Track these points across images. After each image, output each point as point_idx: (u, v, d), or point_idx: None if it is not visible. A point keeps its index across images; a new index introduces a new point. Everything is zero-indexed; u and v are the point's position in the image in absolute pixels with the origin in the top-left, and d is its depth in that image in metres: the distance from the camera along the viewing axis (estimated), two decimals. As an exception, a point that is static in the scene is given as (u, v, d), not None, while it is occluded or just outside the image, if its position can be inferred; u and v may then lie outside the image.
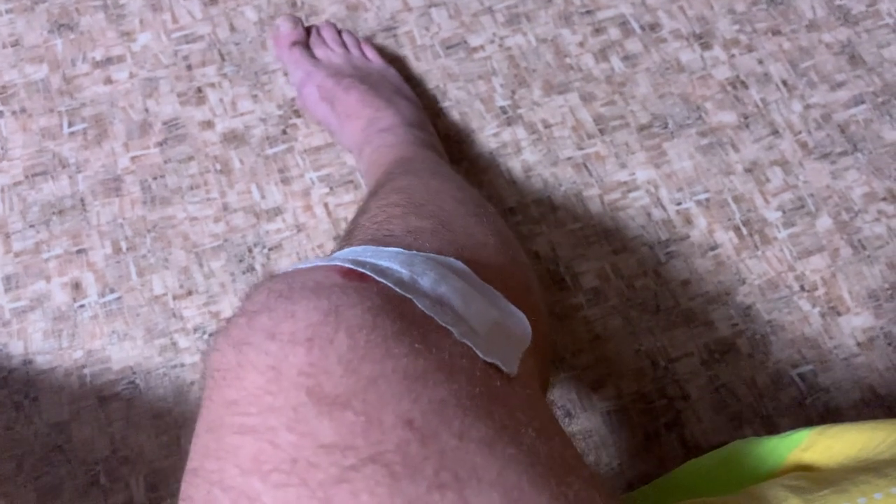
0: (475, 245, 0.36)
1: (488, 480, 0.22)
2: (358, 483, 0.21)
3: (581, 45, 0.74)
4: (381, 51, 0.73)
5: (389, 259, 0.29)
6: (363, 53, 0.71)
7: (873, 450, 0.30)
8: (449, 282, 0.29)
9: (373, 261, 0.29)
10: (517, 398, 0.27)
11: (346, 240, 0.37)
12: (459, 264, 0.31)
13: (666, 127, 0.71)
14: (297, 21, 0.69)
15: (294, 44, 0.68)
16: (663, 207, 0.68)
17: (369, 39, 0.73)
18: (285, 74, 0.71)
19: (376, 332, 0.25)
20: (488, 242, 0.37)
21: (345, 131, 0.64)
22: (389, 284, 0.27)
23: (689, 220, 0.67)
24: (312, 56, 0.69)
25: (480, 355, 0.27)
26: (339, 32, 0.72)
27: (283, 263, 0.65)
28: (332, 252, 0.34)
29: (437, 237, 0.35)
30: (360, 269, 0.28)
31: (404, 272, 0.28)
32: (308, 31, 0.71)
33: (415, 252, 0.31)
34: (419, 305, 0.27)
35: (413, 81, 0.72)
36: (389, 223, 0.36)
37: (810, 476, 0.29)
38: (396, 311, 0.26)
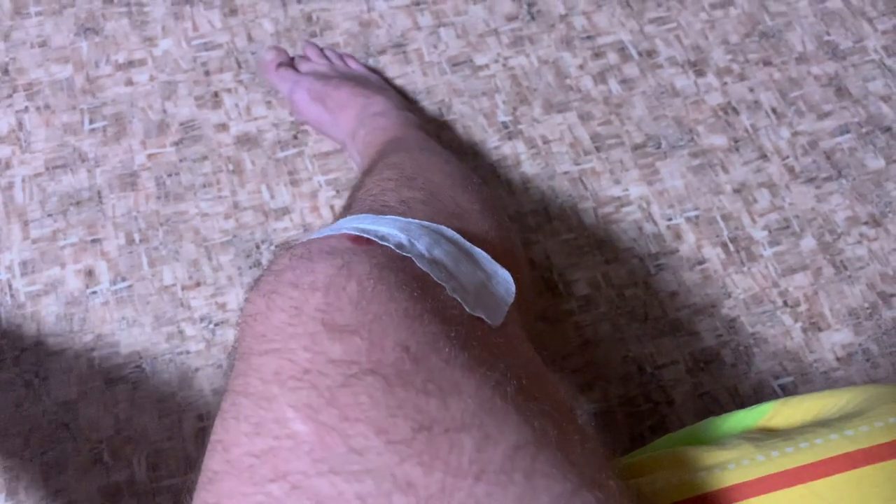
0: (462, 212, 0.40)
1: (467, 393, 0.26)
2: (359, 387, 0.25)
3: (581, 67, 0.78)
4: (394, 54, 0.76)
5: (389, 225, 0.33)
6: (345, 63, 0.75)
7: (828, 412, 0.33)
8: (441, 245, 0.33)
9: (374, 227, 0.33)
10: (496, 342, 0.31)
11: (344, 212, 0.42)
12: (449, 231, 0.36)
13: (659, 147, 0.74)
14: (280, 49, 0.74)
15: (279, 65, 0.73)
16: (654, 222, 0.71)
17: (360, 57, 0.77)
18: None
19: (382, 282, 0.29)
20: (474, 209, 0.41)
21: (339, 122, 0.68)
22: (391, 247, 0.31)
23: (678, 236, 0.70)
24: (297, 70, 0.73)
25: (467, 309, 0.31)
26: (322, 50, 0.76)
27: (289, 260, 0.67)
28: (334, 221, 0.37)
29: (428, 206, 0.39)
30: (366, 235, 0.32)
31: (402, 236, 0.33)
32: (293, 59, 0.75)
33: (409, 220, 0.35)
34: (417, 263, 0.31)
35: (419, 95, 0.76)
36: (384, 195, 0.40)
37: (767, 432, 0.32)
38: (398, 268, 0.30)
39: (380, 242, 0.31)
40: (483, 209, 0.42)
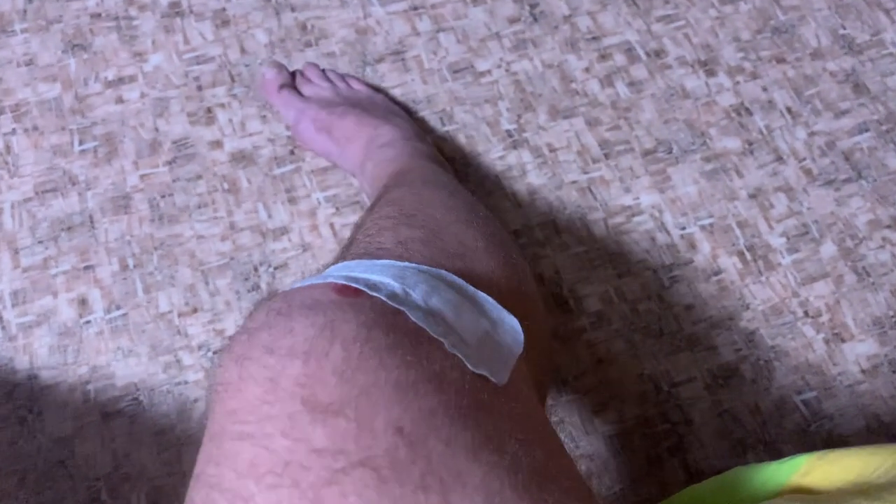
0: (466, 251, 0.37)
1: (472, 485, 0.23)
2: (347, 485, 0.22)
3: (587, 70, 0.75)
4: (393, 62, 0.73)
5: (381, 272, 0.30)
6: (349, 85, 0.72)
7: (870, 475, 0.30)
8: (440, 293, 0.30)
9: (365, 276, 0.30)
10: (504, 408, 0.28)
11: (341, 255, 0.38)
12: (449, 275, 0.32)
13: (670, 152, 0.71)
14: (281, 66, 0.71)
15: (282, 87, 0.70)
16: (667, 232, 0.68)
17: (355, 73, 0.74)
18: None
19: (370, 345, 0.26)
20: (478, 246, 0.38)
21: (346, 154, 0.65)
22: (382, 298, 0.28)
23: (692, 245, 0.68)
24: (301, 94, 0.70)
25: (469, 367, 0.28)
26: (323, 71, 0.73)
27: (288, 282, 0.65)
28: (327, 267, 0.35)
29: (427, 246, 0.36)
30: (354, 285, 0.29)
31: (396, 285, 0.29)
32: (293, 74, 0.72)
33: (406, 264, 0.32)
34: (411, 317, 0.28)
35: (420, 104, 0.73)
36: (381, 235, 0.37)
37: (807, 499, 0.29)
38: (389, 324, 0.27)
39: (369, 293, 0.28)
40: (489, 246, 0.39)
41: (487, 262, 0.37)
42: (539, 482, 0.24)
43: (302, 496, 0.22)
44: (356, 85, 0.72)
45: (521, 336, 0.31)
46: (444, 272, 0.32)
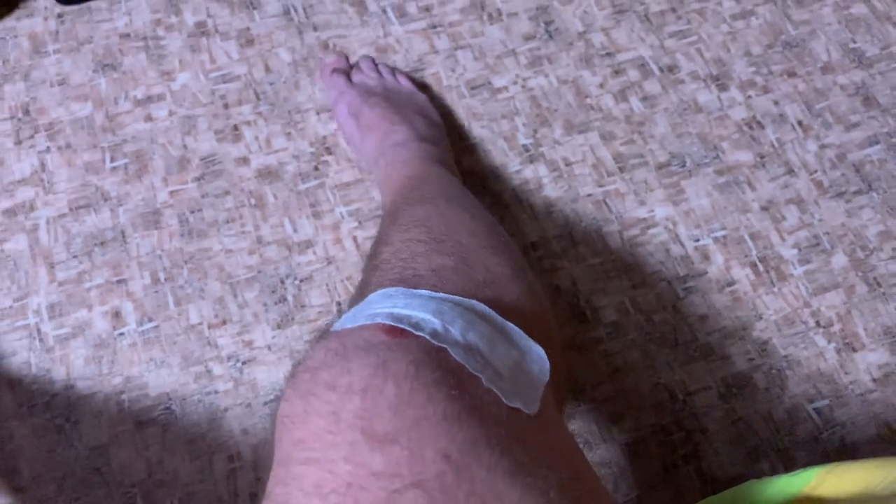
0: (493, 279, 0.40)
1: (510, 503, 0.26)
2: (402, 503, 0.25)
3: (601, 86, 0.77)
4: (419, 76, 0.76)
5: (422, 308, 0.33)
6: (395, 78, 0.74)
7: (874, 487, 0.32)
8: (475, 328, 0.33)
9: (408, 313, 0.33)
10: (535, 436, 0.31)
11: (372, 271, 0.41)
12: (481, 306, 0.35)
13: (684, 165, 0.73)
14: (341, 54, 0.76)
15: (335, 70, 0.74)
16: (681, 244, 0.70)
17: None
18: (318, 114, 0.75)
19: (418, 381, 0.29)
20: (504, 274, 0.41)
21: (364, 144, 0.68)
22: (426, 337, 0.31)
23: (706, 257, 0.69)
24: (349, 80, 0.74)
25: (504, 400, 0.31)
26: (377, 65, 0.76)
27: (314, 294, 0.67)
28: (361, 285, 0.37)
29: (458, 275, 0.39)
30: (400, 325, 0.32)
31: (437, 322, 0.32)
32: (351, 66, 0.76)
33: (442, 296, 0.35)
34: (453, 354, 0.31)
35: (439, 120, 0.75)
36: (415, 261, 0.40)
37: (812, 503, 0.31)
38: (434, 362, 0.30)
39: (414, 333, 0.31)
40: (513, 273, 0.41)
41: (513, 290, 0.39)
42: (568, 501, 0.27)
43: None
44: (402, 80, 0.75)
45: (547, 365, 0.34)
46: (475, 303, 0.35)
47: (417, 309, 0.33)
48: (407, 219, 0.46)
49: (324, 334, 0.33)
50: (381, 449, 0.27)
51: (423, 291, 0.35)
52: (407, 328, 0.31)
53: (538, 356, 0.34)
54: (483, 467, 0.27)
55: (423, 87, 0.76)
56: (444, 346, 0.31)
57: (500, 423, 0.29)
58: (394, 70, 0.75)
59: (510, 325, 0.35)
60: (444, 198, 0.52)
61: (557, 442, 0.32)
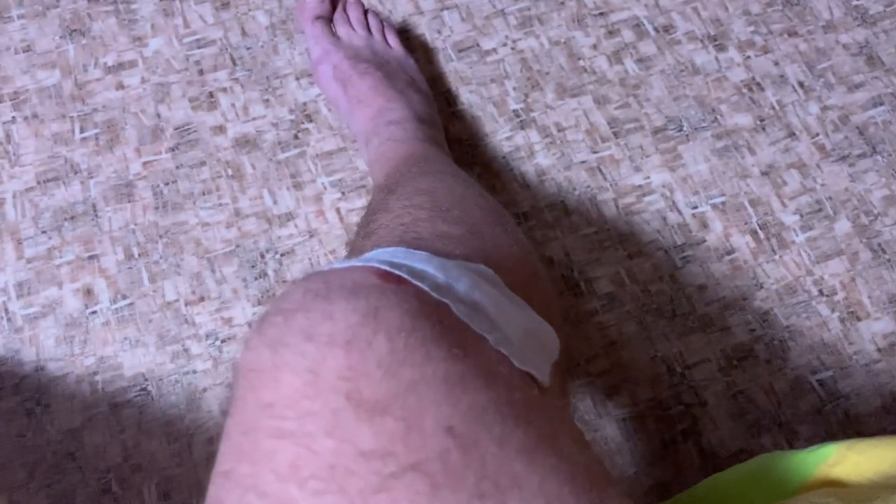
0: (501, 256, 0.35)
1: (530, 490, 0.22)
2: (397, 492, 0.21)
3: (594, 47, 0.74)
4: (405, 39, 0.72)
5: (423, 262, 0.29)
6: (385, 39, 0.70)
7: None
8: (482, 288, 0.29)
9: (408, 263, 0.28)
10: (553, 407, 0.26)
11: (366, 238, 0.36)
12: (490, 272, 0.31)
13: (681, 130, 0.70)
14: None
15: (317, 17, 0.67)
16: (679, 211, 0.67)
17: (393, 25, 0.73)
18: (297, 79, 0.71)
19: (415, 336, 0.24)
20: (513, 253, 0.37)
21: (354, 117, 0.64)
22: (426, 288, 0.27)
23: (704, 224, 0.66)
24: (333, 34, 0.68)
25: (516, 363, 0.26)
26: (366, 13, 0.71)
27: (296, 269, 0.64)
28: (350, 250, 0.33)
29: (465, 244, 0.34)
30: (397, 272, 0.27)
31: (440, 276, 0.28)
32: (334, 5, 0.70)
33: (446, 258, 0.30)
34: (455, 311, 0.26)
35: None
36: (416, 226, 0.36)
37: (839, 493, 0.28)
38: (434, 315, 0.26)
39: (413, 282, 0.27)
40: (523, 254, 0.37)
41: (521, 271, 0.36)
42: (598, 485, 0.23)
43: None
44: (392, 41, 0.70)
45: (557, 342, 0.30)
46: (483, 268, 0.31)
47: (418, 262, 0.29)
48: (409, 188, 0.42)
49: (307, 275, 0.28)
50: (370, 420, 0.22)
51: (425, 252, 0.30)
52: (405, 276, 0.27)
53: (548, 331, 0.30)
54: (494, 441, 0.22)
55: (413, 49, 0.73)
56: (447, 300, 0.26)
57: (512, 387, 0.25)
58: (383, 24, 0.71)
59: (518, 298, 0.31)
60: (450, 174, 0.48)
61: (571, 421, 0.28)
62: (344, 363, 0.23)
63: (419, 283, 0.27)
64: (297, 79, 0.71)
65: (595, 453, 0.26)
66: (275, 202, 0.67)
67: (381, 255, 0.29)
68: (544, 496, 0.21)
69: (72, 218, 0.66)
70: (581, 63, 0.73)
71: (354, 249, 0.36)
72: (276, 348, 0.24)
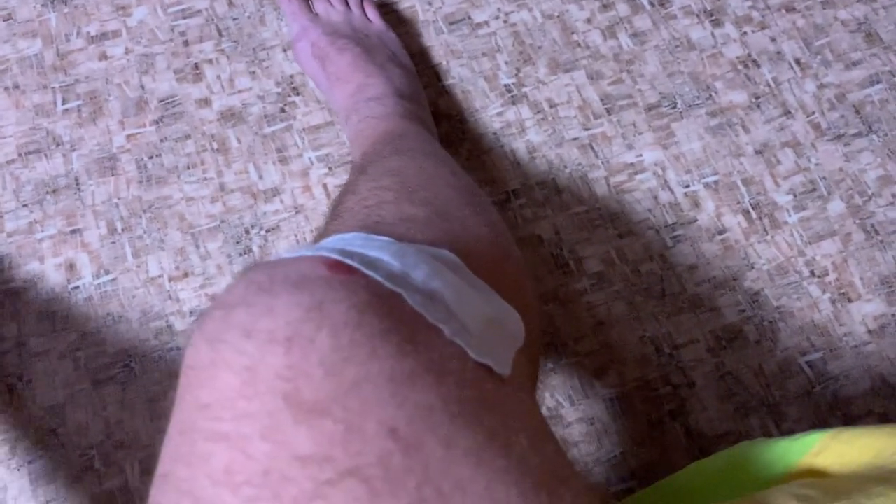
0: (469, 238, 0.34)
1: (475, 494, 0.21)
2: (334, 499, 0.20)
3: (588, 21, 0.72)
4: (386, 13, 0.70)
5: (380, 250, 0.28)
6: (364, 13, 0.68)
7: (888, 458, 0.29)
8: (442, 276, 0.28)
9: (362, 251, 0.27)
10: (510, 402, 0.25)
11: (332, 220, 0.35)
12: (453, 257, 0.30)
13: (675, 107, 0.69)
14: None
15: None
16: (671, 190, 0.66)
17: (370, 15, 0.71)
18: (284, 51, 0.70)
19: (362, 331, 0.23)
20: (482, 235, 0.35)
21: (334, 94, 0.63)
22: (378, 278, 0.25)
23: (696, 203, 0.66)
24: (311, 10, 0.67)
25: (472, 355, 0.25)
26: None
27: (281, 245, 0.63)
28: (319, 236, 0.32)
29: (430, 227, 0.33)
30: (348, 262, 0.26)
31: (395, 264, 0.27)
32: None
33: (407, 243, 0.29)
34: (409, 301, 0.25)
35: (415, 58, 0.70)
36: (381, 208, 0.34)
37: (820, 484, 0.28)
38: (385, 308, 0.24)
39: (364, 271, 0.25)
40: (493, 236, 0.36)
41: (490, 253, 0.35)
42: (550, 487, 0.22)
43: None
44: (372, 14, 0.69)
45: (521, 327, 0.29)
46: (446, 253, 0.30)
47: (374, 249, 0.28)
48: (378, 169, 0.41)
49: (253, 266, 0.27)
50: (308, 422, 0.21)
51: (385, 238, 0.29)
52: (356, 265, 0.26)
53: (513, 318, 0.30)
54: (440, 444, 0.21)
55: (397, 23, 0.71)
56: (400, 290, 0.25)
57: (464, 384, 0.24)
58: (364, 1, 0.70)
59: (483, 283, 0.30)
60: (422, 152, 0.47)
61: (533, 414, 0.27)
62: (283, 362, 0.22)
63: (371, 273, 0.25)
64: (285, 50, 0.70)
65: (556, 447, 0.26)
66: (260, 177, 0.65)
67: (335, 243, 0.28)
68: (490, 500, 0.21)
69: (54, 191, 0.64)
70: (574, 37, 0.71)
71: (321, 234, 0.35)
72: (214, 345, 0.23)
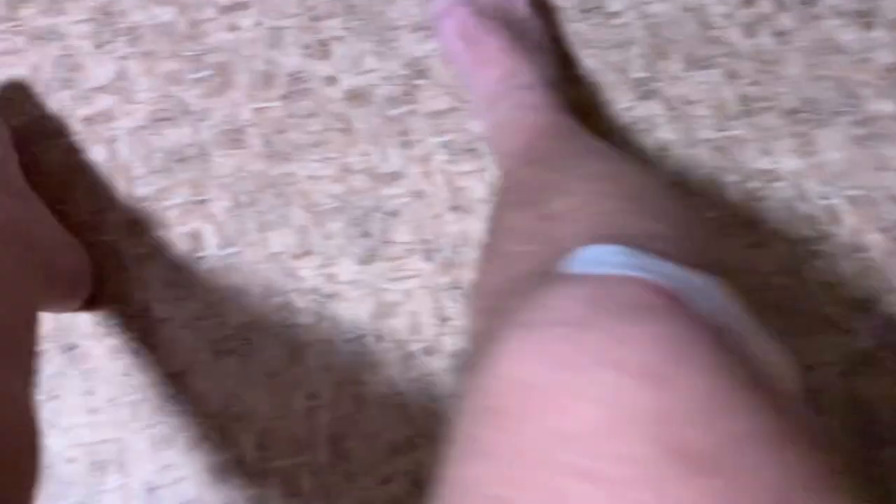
0: (712, 261, 0.31)
1: None
2: None
3: (728, 16, 0.69)
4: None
5: (672, 276, 0.25)
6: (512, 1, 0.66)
7: None
8: (734, 310, 0.26)
9: (659, 271, 0.25)
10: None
11: (546, 219, 0.32)
12: (727, 289, 0.28)
13: (817, 113, 0.65)
14: None
15: None
16: (808, 201, 0.63)
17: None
18: (412, 32, 0.68)
19: (723, 376, 0.21)
20: (721, 259, 0.33)
21: (478, 79, 0.61)
22: (706, 312, 0.23)
23: (835, 218, 0.62)
24: None
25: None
26: None
27: (401, 230, 0.63)
28: (510, 227, 0.30)
29: (678, 248, 0.30)
30: (671, 287, 0.24)
31: (697, 295, 0.24)
32: None
33: (680, 266, 0.27)
34: (729, 335, 0.23)
35: (545, 46, 0.68)
36: (613, 217, 0.32)
37: None
38: (737, 352, 0.22)
39: (690, 302, 0.23)
40: (718, 251, 0.34)
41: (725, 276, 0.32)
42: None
43: None
44: (520, 2, 0.65)
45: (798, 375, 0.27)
46: (716, 279, 0.27)
47: (656, 269, 0.25)
48: (581, 172, 0.38)
49: (562, 277, 0.24)
50: (696, 478, 0.19)
51: (659, 259, 0.26)
52: (682, 296, 0.23)
53: (788, 357, 0.27)
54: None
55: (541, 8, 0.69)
56: (726, 325, 0.23)
57: (817, 445, 0.21)
58: None
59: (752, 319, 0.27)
60: (619, 157, 0.43)
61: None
62: (655, 403, 0.20)
63: (697, 305, 0.23)
64: (413, 31, 0.69)
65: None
66: (383, 160, 0.65)
67: (615, 256, 0.26)
68: None
69: (182, 160, 0.65)
70: (713, 33, 0.68)
71: (526, 230, 0.33)
72: (565, 369, 0.21)
